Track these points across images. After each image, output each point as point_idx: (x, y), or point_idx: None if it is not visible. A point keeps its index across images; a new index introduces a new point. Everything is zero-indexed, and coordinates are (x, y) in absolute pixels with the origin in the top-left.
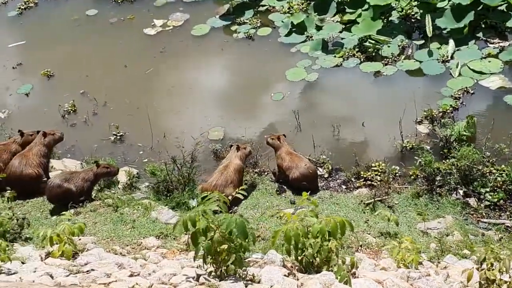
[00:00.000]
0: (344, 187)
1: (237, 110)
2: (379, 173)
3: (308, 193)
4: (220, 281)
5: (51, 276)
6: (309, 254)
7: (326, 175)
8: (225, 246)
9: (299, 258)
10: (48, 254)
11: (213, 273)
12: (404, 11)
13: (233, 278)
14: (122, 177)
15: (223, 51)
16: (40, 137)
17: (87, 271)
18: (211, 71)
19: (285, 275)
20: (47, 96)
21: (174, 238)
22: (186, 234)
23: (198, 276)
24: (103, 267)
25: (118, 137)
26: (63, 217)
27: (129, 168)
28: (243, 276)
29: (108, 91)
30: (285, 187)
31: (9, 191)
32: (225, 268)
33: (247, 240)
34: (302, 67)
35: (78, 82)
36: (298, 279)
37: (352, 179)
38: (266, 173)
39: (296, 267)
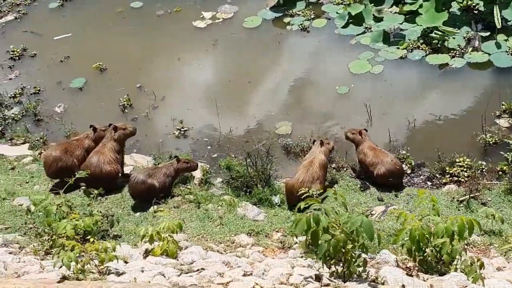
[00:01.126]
0: (429, 183)
1: (301, 104)
2: (464, 169)
3: (393, 190)
4: (344, 282)
5: (163, 276)
6: (432, 254)
7: (409, 171)
8: (350, 246)
9: (418, 258)
10: (147, 252)
11: (335, 274)
12: (465, 2)
13: (358, 279)
14: (196, 172)
15: (279, 44)
16: (110, 132)
17: (198, 270)
18: (268, 64)
19: (408, 275)
20: (102, 90)
21: (266, 236)
22: (277, 231)
23: (319, 276)
24: (211, 266)
25: (182, 132)
26: (160, 214)
27: (202, 164)
28: (365, 277)
29: (164, 84)
30: (367, 183)
31: (94, 190)
32: (347, 268)
33: (373, 240)
34: (365, 60)
35: (132, 76)
36: (424, 280)
37: (437, 175)
38: (345, 169)
39: (416, 268)
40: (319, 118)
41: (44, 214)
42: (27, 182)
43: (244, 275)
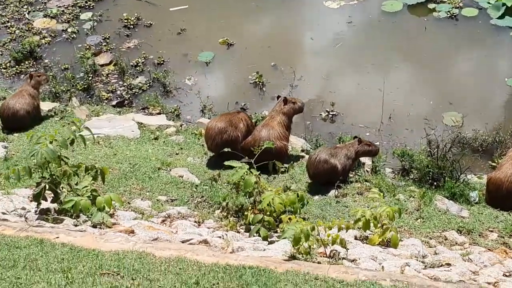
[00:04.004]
0: None
1: (463, 97)
2: None
3: None
4: None
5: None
6: None
7: None
8: None
9: None
10: (357, 239)
11: None
12: None
13: None
14: (365, 159)
15: (426, 31)
16: (280, 104)
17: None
18: (417, 52)
19: None
20: (230, 65)
21: (479, 235)
22: (491, 231)
23: None
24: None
25: (330, 115)
26: (371, 196)
27: None
28: None
29: (299, 64)
30: None
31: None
32: None
33: None
34: None
35: (261, 53)
36: None
37: None
38: None
39: None
40: (492, 111)
41: (240, 186)
42: (177, 154)
43: (504, 275)
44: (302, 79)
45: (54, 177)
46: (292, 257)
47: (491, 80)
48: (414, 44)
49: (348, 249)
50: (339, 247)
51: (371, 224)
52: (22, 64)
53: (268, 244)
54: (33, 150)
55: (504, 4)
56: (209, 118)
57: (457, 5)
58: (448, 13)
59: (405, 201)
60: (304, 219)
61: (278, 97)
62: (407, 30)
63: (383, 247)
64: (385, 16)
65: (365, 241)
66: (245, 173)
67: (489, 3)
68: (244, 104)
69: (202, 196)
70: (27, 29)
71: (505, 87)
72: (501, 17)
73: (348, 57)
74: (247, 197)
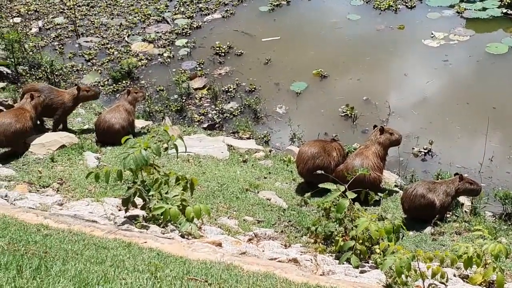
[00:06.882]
0: None
1: None
2: None
3: None
4: None
5: None
6: None
7: None
8: None
9: None
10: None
11: None
12: None
13: None
14: (462, 198)
15: None
16: (376, 134)
17: None
18: None
19: None
20: (321, 96)
21: None
22: None
23: None
24: None
25: (423, 153)
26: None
27: None
28: None
29: (391, 98)
30: None
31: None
32: None
33: None
34: None
35: (353, 86)
36: None
37: None
38: None
39: None
40: None
41: (332, 212)
42: (265, 177)
43: None
44: (392, 114)
45: (144, 183)
46: (388, 287)
47: None
48: None
49: (447, 285)
50: (438, 282)
51: (473, 262)
52: (119, 83)
53: (360, 273)
54: (126, 153)
55: None
56: (298, 147)
57: None
58: None
59: (508, 245)
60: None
61: (375, 126)
62: (507, 73)
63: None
64: (486, 58)
65: (465, 280)
66: (338, 197)
67: None
68: (335, 136)
69: (289, 221)
70: (125, 51)
71: None
72: None
73: (441, 95)
74: (338, 224)
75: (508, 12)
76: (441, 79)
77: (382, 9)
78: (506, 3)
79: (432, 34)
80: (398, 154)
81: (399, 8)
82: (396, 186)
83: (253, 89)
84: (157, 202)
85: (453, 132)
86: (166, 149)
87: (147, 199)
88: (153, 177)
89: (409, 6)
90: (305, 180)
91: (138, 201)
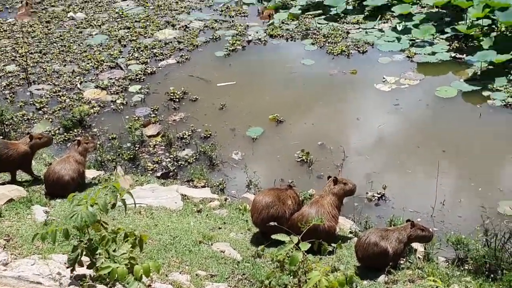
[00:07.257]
0: None
1: None
2: None
3: None
4: None
5: None
6: None
7: None
8: None
9: None
10: None
11: None
12: None
13: None
14: (416, 245)
15: (480, 117)
16: (330, 184)
17: None
18: (469, 136)
19: None
20: (277, 142)
21: None
22: None
23: None
24: None
25: (377, 198)
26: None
27: None
28: None
29: (345, 143)
30: None
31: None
32: None
33: None
34: None
35: (307, 131)
36: None
37: None
38: None
39: None
40: None
41: (286, 264)
42: (219, 228)
43: None
44: (347, 158)
45: (92, 242)
46: None
47: None
48: (463, 130)
49: None
50: None
51: None
52: (71, 131)
53: None
54: (73, 211)
55: None
56: (254, 194)
57: None
58: (504, 101)
59: None
60: None
61: (329, 177)
62: (457, 116)
63: None
64: (436, 101)
65: None
66: (292, 249)
67: None
68: (291, 182)
69: (244, 274)
70: (77, 98)
71: None
72: None
73: (393, 139)
74: (292, 276)
75: (456, 56)
76: (393, 123)
77: (335, 54)
78: (455, 47)
79: (384, 78)
80: (353, 199)
81: (351, 53)
82: (351, 232)
83: (208, 135)
84: (104, 261)
85: (405, 176)
86: (114, 205)
87: (94, 259)
88: (101, 233)
89: (361, 51)
90: (260, 230)
91: (86, 258)
